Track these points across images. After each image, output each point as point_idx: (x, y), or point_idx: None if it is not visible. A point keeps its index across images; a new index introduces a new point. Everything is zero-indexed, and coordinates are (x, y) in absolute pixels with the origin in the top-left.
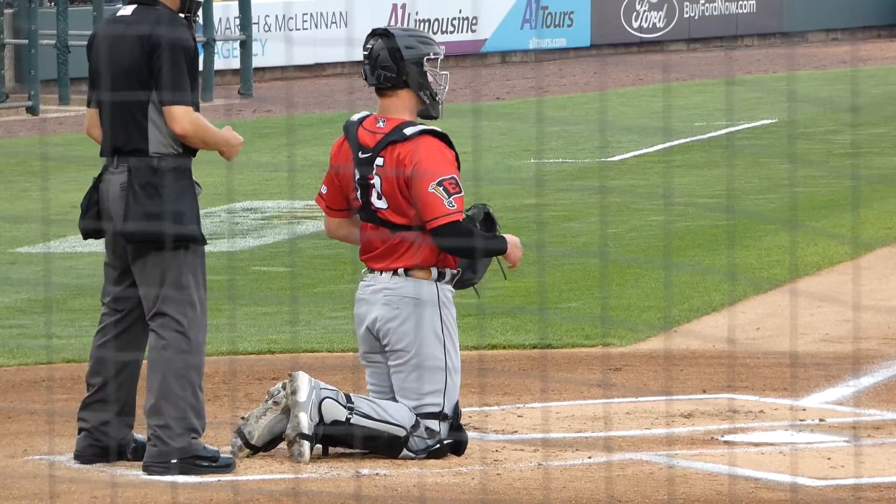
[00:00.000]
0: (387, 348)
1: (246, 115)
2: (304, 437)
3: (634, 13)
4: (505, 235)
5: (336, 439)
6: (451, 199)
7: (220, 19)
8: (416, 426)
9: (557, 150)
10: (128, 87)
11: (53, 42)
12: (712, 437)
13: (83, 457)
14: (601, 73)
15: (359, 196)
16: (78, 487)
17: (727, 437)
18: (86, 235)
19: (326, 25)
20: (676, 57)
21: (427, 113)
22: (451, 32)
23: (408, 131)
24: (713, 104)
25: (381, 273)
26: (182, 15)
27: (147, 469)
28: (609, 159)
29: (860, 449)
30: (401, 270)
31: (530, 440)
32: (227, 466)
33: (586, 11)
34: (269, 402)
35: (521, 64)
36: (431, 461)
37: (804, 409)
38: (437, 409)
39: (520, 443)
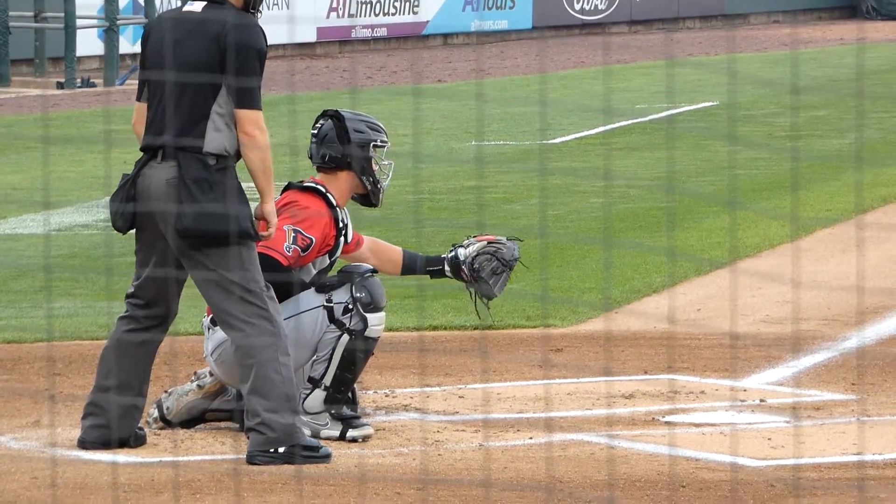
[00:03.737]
0: None
1: None
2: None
3: None
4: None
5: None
6: (291, 245)
7: (162, 0)
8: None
9: (498, 133)
10: (195, 85)
11: None
12: (653, 418)
13: (88, 443)
14: (542, 56)
15: None
16: (18, 467)
17: (668, 418)
18: (123, 230)
19: (268, 7)
20: (618, 39)
21: (367, 200)
22: (393, 14)
23: (308, 184)
24: (654, 86)
25: None
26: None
27: (251, 459)
28: (550, 141)
29: (800, 429)
30: None
31: (471, 421)
32: (327, 457)
33: None
34: (195, 384)
35: (463, 46)
36: (371, 443)
37: (744, 390)
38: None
39: (461, 423)
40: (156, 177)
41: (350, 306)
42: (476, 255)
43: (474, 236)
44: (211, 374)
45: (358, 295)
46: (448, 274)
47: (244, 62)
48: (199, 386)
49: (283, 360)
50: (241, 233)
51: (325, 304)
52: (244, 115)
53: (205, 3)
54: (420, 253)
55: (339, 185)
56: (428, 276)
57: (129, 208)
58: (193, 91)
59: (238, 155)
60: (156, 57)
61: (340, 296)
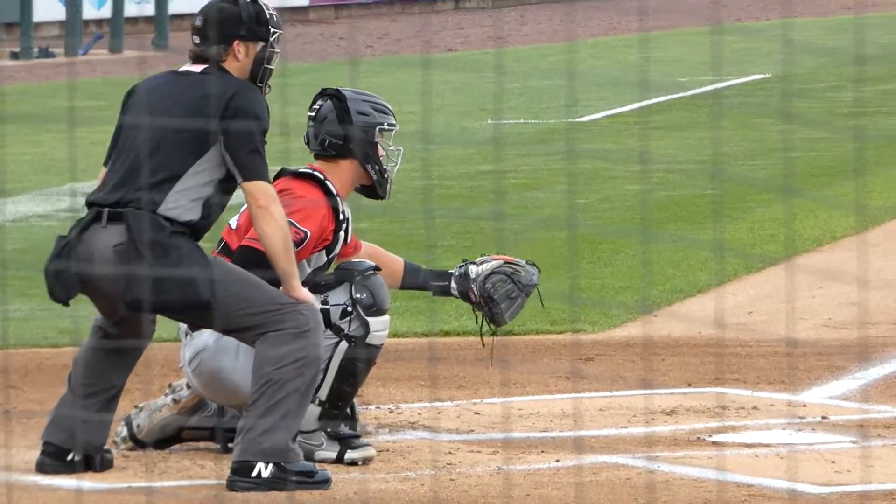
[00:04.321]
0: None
1: (161, 69)
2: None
3: None
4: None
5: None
6: None
7: None
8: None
9: (518, 109)
10: (175, 142)
11: None
12: (698, 437)
13: (48, 465)
14: (569, 21)
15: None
16: None
17: (715, 437)
18: (64, 303)
19: None
20: (655, 2)
21: (373, 192)
22: None
23: (303, 170)
24: (697, 56)
25: None
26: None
27: (231, 485)
28: (578, 119)
29: (868, 450)
30: None
31: (489, 440)
32: (325, 482)
33: None
34: (169, 398)
35: (477, 10)
36: (373, 466)
37: (804, 405)
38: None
39: (477, 443)
40: (100, 242)
41: (349, 309)
42: (489, 274)
43: (489, 254)
44: (188, 387)
45: (358, 296)
46: (454, 292)
47: (248, 131)
48: (174, 400)
49: (294, 383)
50: (200, 302)
51: (321, 306)
52: (254, 186)
53: (204, 65)
54: (425, 266)
55: (341, 175)
56: (430, 291)
57: (70, 277)
58: (171, 148)
59: (194, 230)
60: (138, 109)
61: (338, 297)
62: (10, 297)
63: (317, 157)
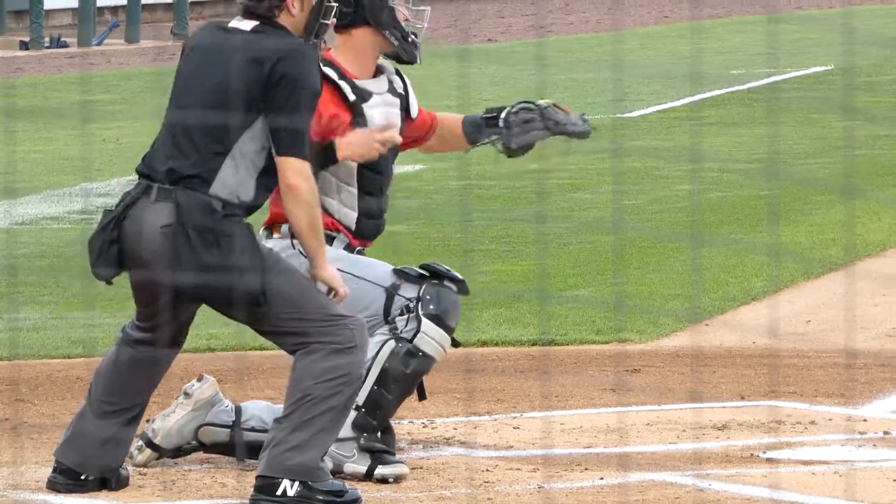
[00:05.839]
0: None
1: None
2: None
3: None
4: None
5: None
6: None
7: None
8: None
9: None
10: (225, 107)
11: None
12: (752, 454)
13: (59, 484)
14: (616, 9)
15: None
16: None
17: (770, 454)
18: (107, 281)
19: None
20: None
21: (398, 56)
22: None
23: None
24: (754, 47)
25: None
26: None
27: (255, 503)
28: (626, 115)
29: None
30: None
31: (529, 457)
32: (354, 502)
33: None
34: (181, 397)
35: None
36: (405, 484)
37: (865, 420)
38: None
39: (516, 460)
40: (147, 221)
41: (411, 306)
42: (523, 107)
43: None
44: (199, 380)
45: (425, 297)
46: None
47: (293, 100)
48: (185, 394)
49: (332, 400)
50: (249, 293)
51: (390, 288)
52: (287, 162)
53: (255, 22)
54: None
55: (356, 47)
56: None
57: (114, 253)
58: (221, 115)
59: (248, 209)
60: (187, 70)
61: (408, 290)
62: (20, 305)
63: (335, 29)
